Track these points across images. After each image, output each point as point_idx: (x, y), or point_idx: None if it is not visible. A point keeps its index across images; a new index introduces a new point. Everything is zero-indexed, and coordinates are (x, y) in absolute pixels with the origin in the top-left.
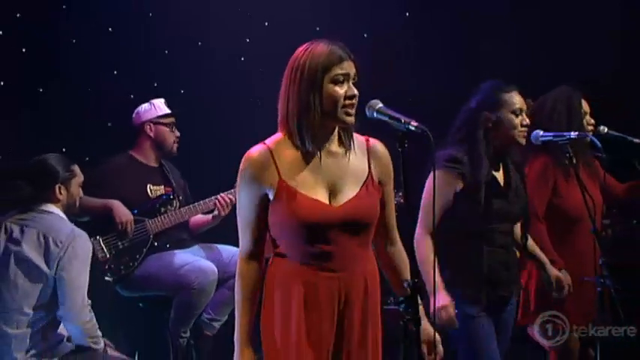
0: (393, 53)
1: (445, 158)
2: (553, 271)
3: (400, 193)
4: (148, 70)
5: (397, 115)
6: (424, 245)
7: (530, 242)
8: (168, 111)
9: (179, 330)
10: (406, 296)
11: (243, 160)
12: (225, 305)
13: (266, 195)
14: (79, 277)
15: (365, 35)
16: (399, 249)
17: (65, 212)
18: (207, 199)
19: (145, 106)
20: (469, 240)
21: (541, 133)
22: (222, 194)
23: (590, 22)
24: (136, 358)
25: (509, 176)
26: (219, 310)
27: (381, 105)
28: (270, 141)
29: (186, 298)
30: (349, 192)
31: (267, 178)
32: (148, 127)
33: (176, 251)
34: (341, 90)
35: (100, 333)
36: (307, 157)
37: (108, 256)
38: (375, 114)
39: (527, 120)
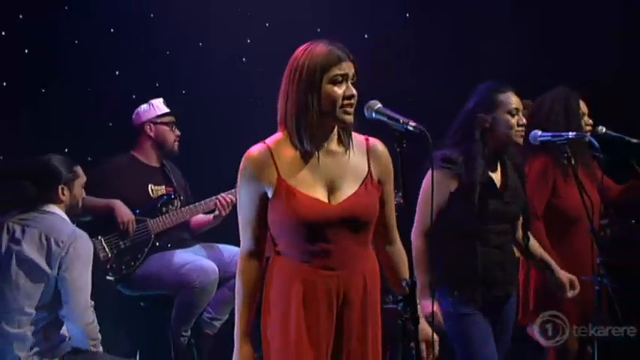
0: (393, 53)
1: (441, 158)
2: (562, 274)
3: (400, 193)
4: (149, 71)
5: (396, 116)
6: (417, 244)
7: (534, 243)
8: (167, 110)
9: (180, 329)
10: (405, 295)
11: (243, 159)
12: (225, 305)
13: (265, 193)
14: (81, 278)
15: (365, 36)
16: (399, 248)
17: (68, 213)
18: (208, 199)
19: (144, 106)
20: (464, 240)
21: (539, 133)
22: (222, 194)
23: (590, 22)
24: (138, 356)
25: (507, 177)
26: (219, 309)
27: (379, 105)
28: (270, 140)
29: (187, 297)
30: (348, 190)
31: (266, 177)
32: (148, 127)
33: (177, 251)
34: (339, 90)
35: (99, 336)
36: (306, 156)
37: (110, 255)
38: (373, 114)
39: (524, 120)
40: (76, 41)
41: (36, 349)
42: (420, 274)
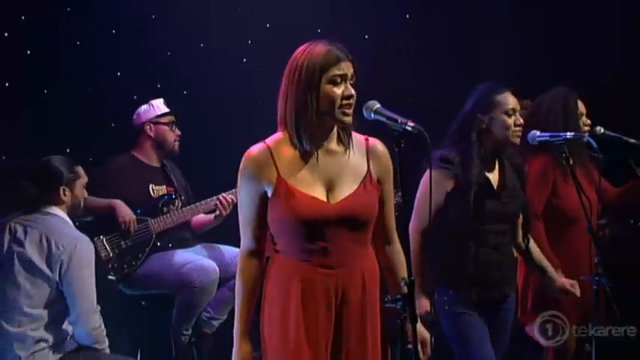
0: (393, 53)
1: (439, 158)
2: (558, 281)
3: (399, 193)
4: (150, 71)
5: (394, 116)
6: (414, 243)
7: (533, 246)
8: (166, 110)
9: (181, 328)
10: (403, 294)
11: (243, 158)
12: (225, 305)
13: (265, 192)
14: (85, 283)
15: (366, 37)
16: (397, 249)
17: (69, 213)
18: (208, 199)
19: (144, 106)
20: (460, 240)
21: (537, 133)
22: (223, 194)
23: (590, 22)
24: (139, 355)
25: (505, 177)
26: (219, 309)
27: (378, 105)
28: (270, 140)
29: (187, 296)
30: (347, 189)
31: (266, 176)
32: (148, 127)
33: (178, 250)
34: (338, 90)
35: (107, 341)
36: (306, 156)
37: (111, 255)
38: (372, 115)
39: (521, 120)
40: (78, 42)
41: (37, 347)
42: (415, 273)
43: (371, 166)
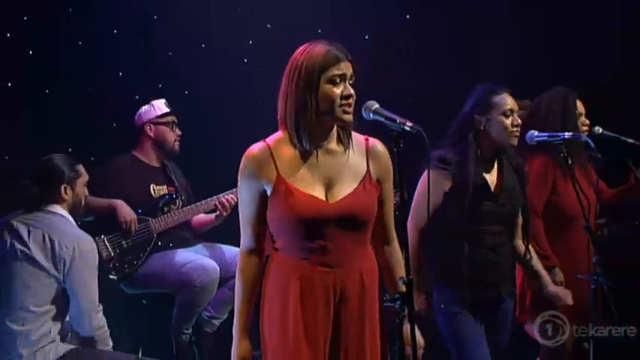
0: (393, 53)
1: (437, 158)
2: (552, 287)
3: (398, 193)
4: (152, 72)
5: (393, 116)
6: (410, 241)
7: (530, 249)
8: (167, 110)
9: (182, 327)
10: (402, 293)
11: (243, 157)
12: (225, 304)
13: (265, 191)
14: (87, 283)
15: (366, 37)
16: (396, 248)
17: (71, 212)
18: (209, 199)
19: (145, 107)
20: (457, 240)
21: (536, 133)
22: (224, 195)
23: (590, 22)
24: (140, 353)
25: (503, 178)
26: (219, 308)
27: (377, 106)
28: (270, 139)
29: (188, 295)
30: (346, 189)
31: (265, 175)
32: (148, 127)
33: (179, 250)
34: (337, 90)
35: (110, 342)
36: (305, 155)
37: (112, 254)
38: (371, 115)
39: (519, 120)
40: (80, 42)
41: (40, 345)
42: (413, 271)
43: (370, 166)
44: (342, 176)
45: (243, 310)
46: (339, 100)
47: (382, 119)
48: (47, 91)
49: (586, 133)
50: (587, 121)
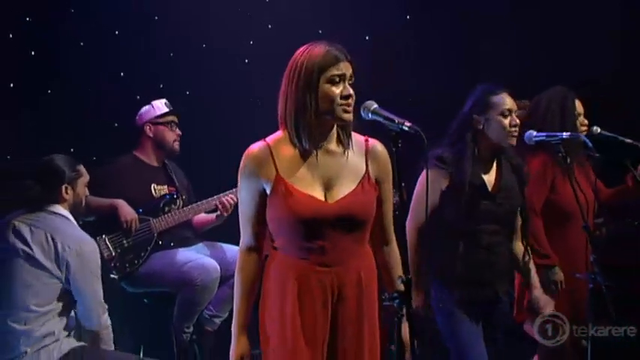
0: (393, 53)
1: (435, 157)
2: (537, 292)
3: (395, 192)
4: (153, 72)
5: (391, 116)
6: (410, 240)
7: (529, 253)
8: (166, 110)
9: (182, 325)
10: (400, 292)
11: (243, 156)
12: (226, 303)
13: (264, 190)
14: (92, 283)
15: (366, 37)
16: (394, 249)
17: (72, 212)
18: (210, 199)
19: (145, 107)
20: (453, 239)
21: (534, 133)
22: (224, 195)
23: (590, 22)
24: (141, 352)
25: (501, 178)
26: (220, 307)
27: (375, 106)
28: (270, 138)
29: (189, 294)
30: (345, 189)
31: (265, 174)
32: (148, 127)
33: (180, 249)
34: (337, 90)
35: (112, 346)
36: (305, 155)
37: (113, 254)
38: (370, 115)
39: (517, 120)
40: (82, 43)
41: (43, 343)
42: (411, 271)
43: (369, 167)
44: (341, 176)
45: (242, 308)
46: (338, 99)
47: (381, 119)
48: (49, 92)
49: (584, 132)
50: (586, 121)
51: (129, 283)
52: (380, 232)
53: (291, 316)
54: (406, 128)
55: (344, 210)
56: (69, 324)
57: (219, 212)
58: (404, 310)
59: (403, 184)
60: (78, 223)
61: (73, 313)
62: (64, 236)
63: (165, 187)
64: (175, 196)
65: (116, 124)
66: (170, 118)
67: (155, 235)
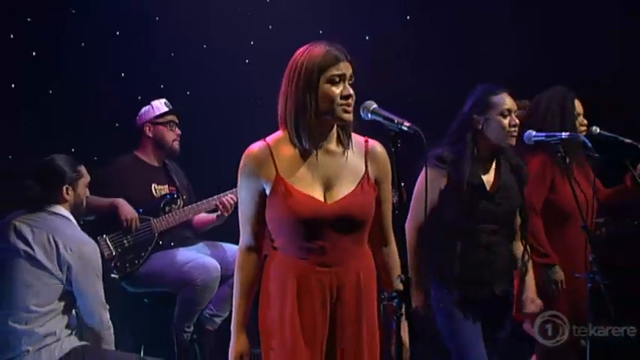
0: (393, 53)
1: (434, 156)
2: (528, 294)
3: (394, 192)
4: (154, 72)
5: (391, 116)
6: (409, 239)
7: (528, 253)
8: (164, 110)
9: (183, 325)
10: (399, 291)
11: (243, 156)
12: (226, 302)
13: (264, 190)
14: (94, 284)
15: (367, 38)
16: (393, 250)
17: (72, 212)
18: (210, 198)
19: (145, 108)
20: (452, 239)
21: (533, 133)
22: (225, 195)
23: (590, 22)
24: (142, 351)
25: (500, 177)
26: (221, 306)
27: (375, 106)
28: (270, 138)
29: (189, 294)
30: (344, 189)
31: (264, 174)
32: (147, 127)
33: (180, 249)
34: (337, 90)
35: (113, 347)
36: (305, 155)
37: (114, 254)
38: (369, 115)
39: (517, 120)
40: (83, 44)
41: (44, 342)
42: (411, 270)
43: (369, 167)
44: (341, 177)
45: (241, 307)
46: (338, 99)
47: (380, 119)
48: (50, 92)
49: (584, 132)
50: (585, 121)
51: (129, 282)
52: (379, 232)
53: (290, 316)
54: (405, 128)
55: (343, 210)
56: (70, 323)
57: (219, 212)
58: (403, 310)
59: (403, 184)
60: (78, 223)
61: (74, 313)
62: (65, 237)
63: (166, 187)
64: (176, 196)
65: (117, 125)
66: (169, 117)
67: (156, 234)
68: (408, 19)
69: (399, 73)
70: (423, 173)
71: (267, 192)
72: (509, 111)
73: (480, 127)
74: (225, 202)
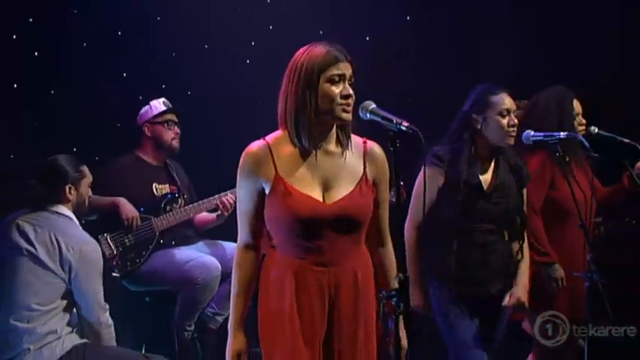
0: (393, 53)
1: (432, 154)
2: (517, 292)
3: (392, 192)
4: (155, 72)
5: (389, 116)
6: (409, 238)
7: (525, 255)
8: (163, 109)
9: (184, 323)
10: (397, 290)
11: (243, 154)
12: (227, 300)
13: (263, 189)
14: (93, 284)
15: (367, 38)
16: (389, 250)
17: (75, 212)
18: (211, 198)
19: (144, 108)
20: (449, 237)
21: (532, 133)
22: (225, 195)
23: (590, 22)
24: (143, 350)
25: (498, 177)
26: (222, 304)
27: (373, 106)
28: (269, 137)
29: (190, 293)
30: (343, 190)
31: (264, 173)
32: (147, 127)
33: (181, 247)
34: (337, 89)
35: (114, 343)
36: (304, 155)
37: (115, 252)
38: (368, 115)
39: (515, 120)
40: (84, 44)
41: (45, 341)
42: (410, 269)
43: (367, 168)
44: (340, 177)
45: (239, 305)
46: (338, 99)
47: (379, 119)
48: (51, 92)
49: (582, 132)
50: (584, 121)
51: (130, 281)
52: (376, 233)
53: (289, 316)
54: (404, 128)
55: (342, 211)
56: (71, 321)
57: (219, 212)
58: (401, 308)
59: (402, 183)
60: (80, 222)
61: (75, 311)
62: (68, 237)
63: (167, 186)
64: (177, 195)
65: (118, 125)
66: (168, 116)
67: (157, 233)
68: (408, 19)
69: (399, 73)
70: (421, 173)
71: (266, 191)
72: (508, 111)
73: (479, 126)
74: (226, 201)
